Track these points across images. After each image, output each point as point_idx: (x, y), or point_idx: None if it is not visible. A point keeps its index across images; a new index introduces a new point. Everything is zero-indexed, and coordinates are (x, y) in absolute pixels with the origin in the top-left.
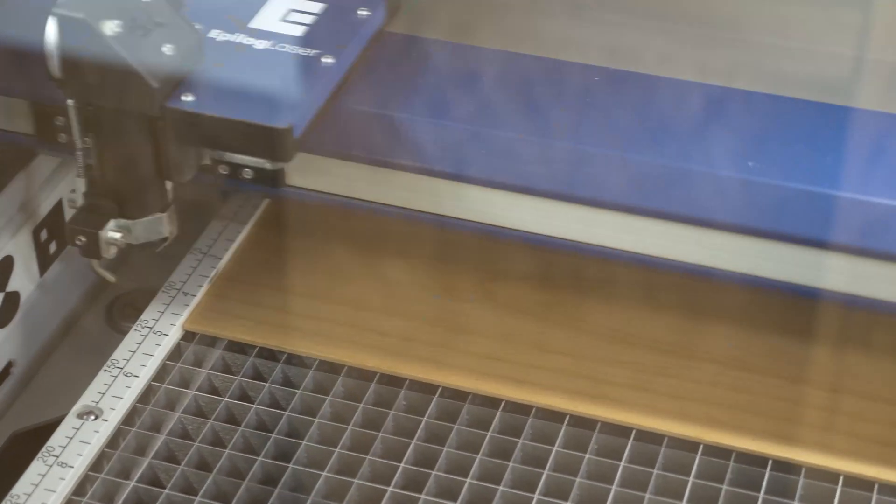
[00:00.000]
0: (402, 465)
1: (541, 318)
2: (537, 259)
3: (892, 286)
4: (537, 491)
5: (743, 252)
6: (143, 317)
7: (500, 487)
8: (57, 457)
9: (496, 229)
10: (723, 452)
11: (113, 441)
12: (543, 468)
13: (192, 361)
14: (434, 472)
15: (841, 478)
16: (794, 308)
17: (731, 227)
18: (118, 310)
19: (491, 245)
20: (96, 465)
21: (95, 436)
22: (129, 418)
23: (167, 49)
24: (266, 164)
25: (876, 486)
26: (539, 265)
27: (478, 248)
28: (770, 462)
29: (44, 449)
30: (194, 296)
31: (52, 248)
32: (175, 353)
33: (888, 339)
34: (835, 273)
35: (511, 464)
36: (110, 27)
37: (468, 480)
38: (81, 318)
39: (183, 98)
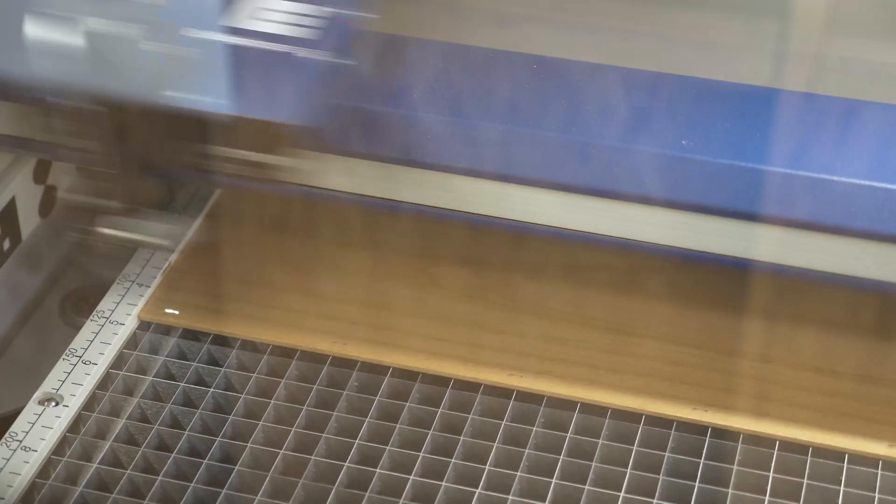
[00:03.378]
0: (356, 441)
1: (482, 299)
2: (478, 242)
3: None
4: (488, 462)
5: (673, 226)
6: (99, 307)
7: (452, 460)
8: (20, 441)
9: (444, 212)
10: (663, 422)
11: (74, 426)
12: (493, 441)
13: (149, 349)
14: (388, 448)
15: (777, 443)
16: (726, 281)
17: (661, 201)
18: (71, 304)
19: (435, 229)
20: (59, 448)
21: (57, 421)
22: (89, 404)
23: None
24: None
25: (810, 450)
26: (479, 248)
27: (422, 232)
28: (709, 430)
29: (7, 434)
30: (148, 287)
31: (6, 245)
32: (132, 342)
33: (817, 309)
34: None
35: (462, 438)
36: None
37: (421, 454)
38: (34, 313)
39: None
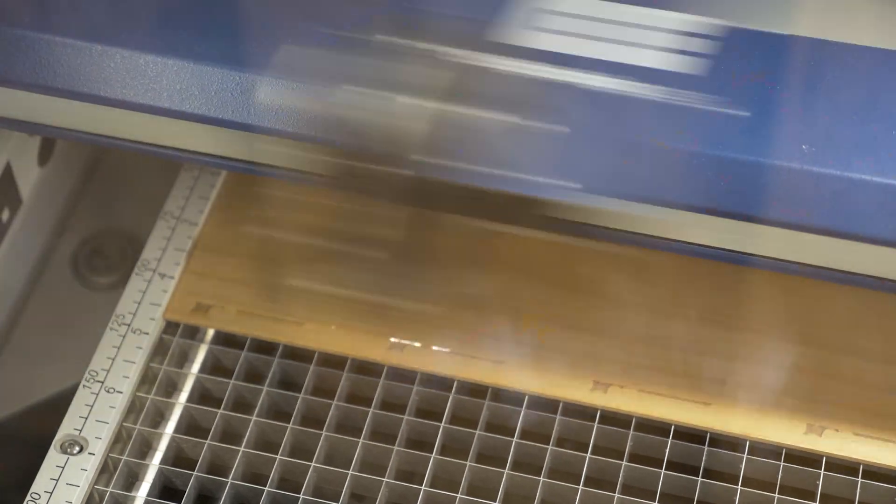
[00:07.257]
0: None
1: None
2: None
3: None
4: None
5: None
6: (118, 310)
7: (506, 471)
8: None
9: None
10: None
11: (102, 474)
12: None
13: (178, 360)
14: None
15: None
16: None
17: None
18: (84, 260)
19: None
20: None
21: (83, 475)
22: (116, 443)
23: None
24: None
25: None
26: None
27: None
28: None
29: (28, 497)
30: (172, 277)
31: (5, 216)
32: (159, 350)
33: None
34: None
35: (513, 439)
36: None
37: (468, 463)
38: (45, 274)
39: None
